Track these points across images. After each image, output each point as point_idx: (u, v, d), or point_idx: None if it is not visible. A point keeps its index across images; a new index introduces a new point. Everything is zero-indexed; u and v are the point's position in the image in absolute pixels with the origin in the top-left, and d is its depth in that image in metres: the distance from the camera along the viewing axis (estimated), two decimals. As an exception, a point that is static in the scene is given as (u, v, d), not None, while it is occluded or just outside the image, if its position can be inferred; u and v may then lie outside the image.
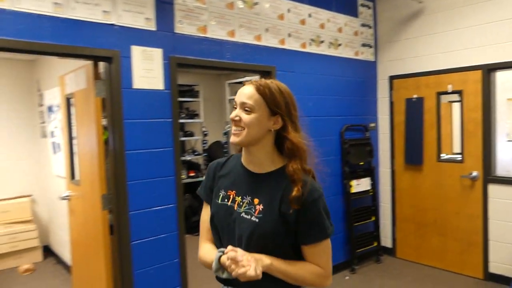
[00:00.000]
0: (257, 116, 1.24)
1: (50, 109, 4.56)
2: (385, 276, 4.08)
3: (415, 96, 4.29)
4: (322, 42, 4.01)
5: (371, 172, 4.47)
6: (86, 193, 3.03)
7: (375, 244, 4.48)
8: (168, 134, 2.91)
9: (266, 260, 1.21)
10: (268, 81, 1.29)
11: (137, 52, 2.74)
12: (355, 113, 4.39)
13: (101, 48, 2.60)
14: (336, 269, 4.15)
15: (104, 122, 2.78)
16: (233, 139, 1.28)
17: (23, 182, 5.11)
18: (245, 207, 1.29)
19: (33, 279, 4.33)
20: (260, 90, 1.25)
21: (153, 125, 2.83)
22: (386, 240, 4.65)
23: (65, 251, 4.58)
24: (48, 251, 5.05)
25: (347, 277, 4.07)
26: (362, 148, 4.37)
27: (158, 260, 2.87)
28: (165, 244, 2.90)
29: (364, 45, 4.48)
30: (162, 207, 2.87)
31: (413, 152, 4.33)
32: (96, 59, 2.68)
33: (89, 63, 2.77)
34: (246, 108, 1.25)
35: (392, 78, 4.50)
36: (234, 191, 1.34)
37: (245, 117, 1.24)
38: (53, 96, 4.34)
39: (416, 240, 4.39)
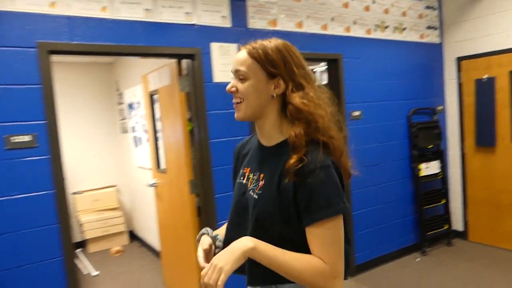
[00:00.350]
0: (252, 82, 1.11)
1: (130, 106, 4.99)
2: (458, 258, 4.06)
3: (486, 76, 4.19)
4: (386, 27, 4.04)
5: (440, 155, 4.44)
6: (173, 180, 3.35)
7: (446, 227, 4.45)
8: (246, 123, 3.14)
9: (246, 244, 1.01)
10: (265, 41, 1.13)
11: (216, 48, 2.99)
12: (422, 96, 4.37)
13: (184, 47, 2.87)
14: (406, 251, 4.22)
15: (188, 114, 3.07)
16: (235, 114, 1.17)
17: (108, 174, 5.65)
18: (253, 184, 1.17)
19: (123, 260, 4.82)
20: (252, 53, 1.11)
21: (233, 115, 3.06)
22: (457, 223, 4.60)
23: (148, 235, 5.03)
24: (132, 236, 5.55)
25: (418, 259, 4.11)
26: (430, 131, 4.35)
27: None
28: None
29: (429, 27, 4.43)
30: (242, 190, 3.12)
31: (484, 133, 4.24)
32: (179, 57, 2.96)
33: (173, 61, 3.06)
34: (241, 76, 1.12)
35: (460, 59, 4.41)
36: (249, 168, 1.23)
37: (241, 86, 1.12)
38: (133, 94, 4.76)
39: (490, 222, 4.31)
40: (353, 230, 3.81)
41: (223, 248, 1.14)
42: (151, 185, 3.76)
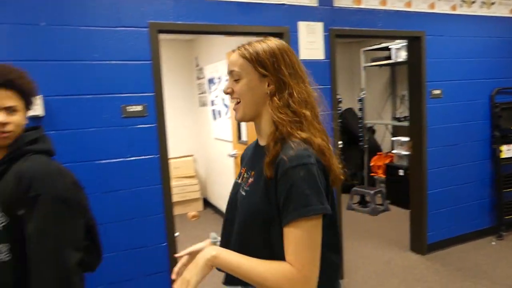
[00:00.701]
0: (246, 81, 1.12)
1: (210, 81, 5.28)
2: (538, 244, 3.96)
3: None
4: (473, 2, 3.89)
5: (524, 137, 4.27)
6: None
7: (526, 212, 4.32)
8: (327, 99, 3.26)
9: (209, 253, 1.03)
10: (256, 41, 1.15)
11: (303, 27, 3.11)
12: (507, 75, 4.18)
13: (273, 26, 3.03)
14: (481, 233, 4.17)
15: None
16: (235, 116, 1.18)
17: (187, 144, 6.07)
18: (244, 182, 1.18)
19: (199, 224, 5.23)
20: (243, 53, 1.13)
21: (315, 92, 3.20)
22: (538, 209, 4.43)
23: (222, 203, 5.39)
24: (206, 203, 5.97)
25: (493, 243, 4.06)
26: (515, 112, 4.18)
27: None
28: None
29: (521, 1, 4.18)
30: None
31: None
32: (268, 35, 3.11)
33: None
34: (235, 77, 1.14)
35: (554, 35, 4.14)
36: (245, 168, 1.24)
37: (236, 86, 1.14)
38: (214, 70, 5.03)
39: None
40: (427, 210, 3.84)
41: None
42: (232, 156, 4.04)
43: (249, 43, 1.14)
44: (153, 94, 2.65)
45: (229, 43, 4.15)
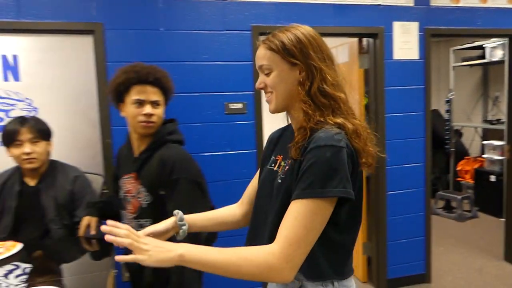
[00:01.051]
0: (277, 73, 1.08)
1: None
2: None
3: None
4: None
5: None
6: (342, 150, 3.64)
7: None
8: (420, 100, 3.23)
9: (173, 252, 0.95)
10: (279, 31, 1.10)
11: (397, 27, 3.11)
12: None
13: (367, 26, 3.07)
14: None
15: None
16: (268, 108, 1.15)
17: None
18: (282, 170, 1.13)
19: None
20: (269, 45, 1.09)
21: (408, 92, 3.19)
22: None
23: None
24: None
25: None
26: None
27: (407, 211, 3.28)
28: (413, 197, 3.28)
29: None
30: (412, 164, 3.25)
31: None
32: (361, 36, 3.17)
33: (352, 40, 3.29)
34: (266, 71, 1.11)
35: None
36: (281, 156, 1.18)
37: (268, 79, 1.10)
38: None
39: None
40: (525, 217, 3.61)
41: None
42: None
43: (273, 34, 1.11)
44: (252, 92, 2.83)
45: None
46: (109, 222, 0.99)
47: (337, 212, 1.00)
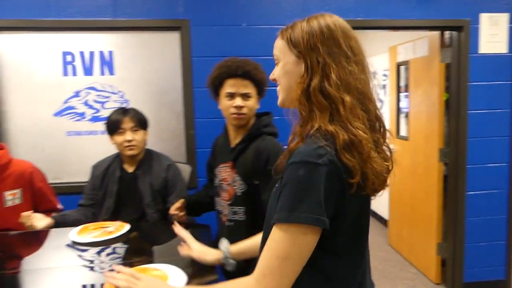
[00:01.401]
0: (281, 64, 0.97)
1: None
2: None
3: None
4: None
5: None
6: (418, 147, 3.54)
7: None
8: (507, 96, 3.04)
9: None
10: (300, 21, 0.96)
11: (485, 19, 2.95)
12: None
13: (452, 19, 2.94)
14: None
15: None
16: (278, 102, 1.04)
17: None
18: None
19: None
20: (283, 34, 0.97)
21: (493, 87, 3.02)
22: None
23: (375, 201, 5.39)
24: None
25: None
26: None
27: (487, 213, 3.13)
28: (495, 199, 3.12)
29: None
30: (496, 164, 3.09)
31: None
32: (444, 29, 3.04)
33: (433, 33, 3.17)
34: (276, 61, 1.00)
35: None
36: None
37: (275, 70, 1.01)
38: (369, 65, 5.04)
39: None
40: None
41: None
42: (388, 150, 4.03)
43: (294, 23, 0.97)
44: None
45: (390, 37, 4.13)
46: (115, 267, 1.13)
47: (333, 238, 0.87)
